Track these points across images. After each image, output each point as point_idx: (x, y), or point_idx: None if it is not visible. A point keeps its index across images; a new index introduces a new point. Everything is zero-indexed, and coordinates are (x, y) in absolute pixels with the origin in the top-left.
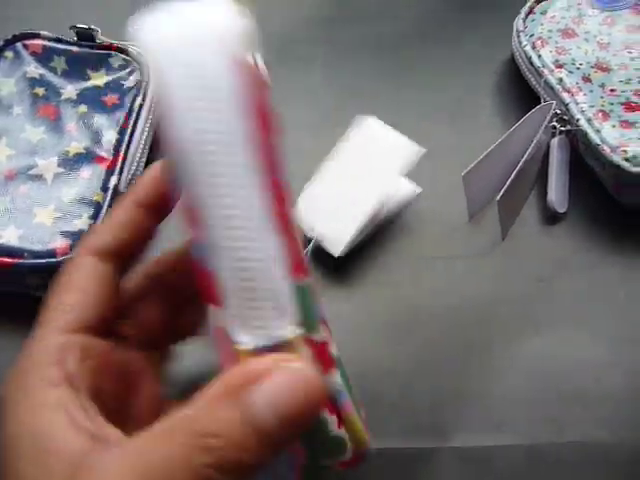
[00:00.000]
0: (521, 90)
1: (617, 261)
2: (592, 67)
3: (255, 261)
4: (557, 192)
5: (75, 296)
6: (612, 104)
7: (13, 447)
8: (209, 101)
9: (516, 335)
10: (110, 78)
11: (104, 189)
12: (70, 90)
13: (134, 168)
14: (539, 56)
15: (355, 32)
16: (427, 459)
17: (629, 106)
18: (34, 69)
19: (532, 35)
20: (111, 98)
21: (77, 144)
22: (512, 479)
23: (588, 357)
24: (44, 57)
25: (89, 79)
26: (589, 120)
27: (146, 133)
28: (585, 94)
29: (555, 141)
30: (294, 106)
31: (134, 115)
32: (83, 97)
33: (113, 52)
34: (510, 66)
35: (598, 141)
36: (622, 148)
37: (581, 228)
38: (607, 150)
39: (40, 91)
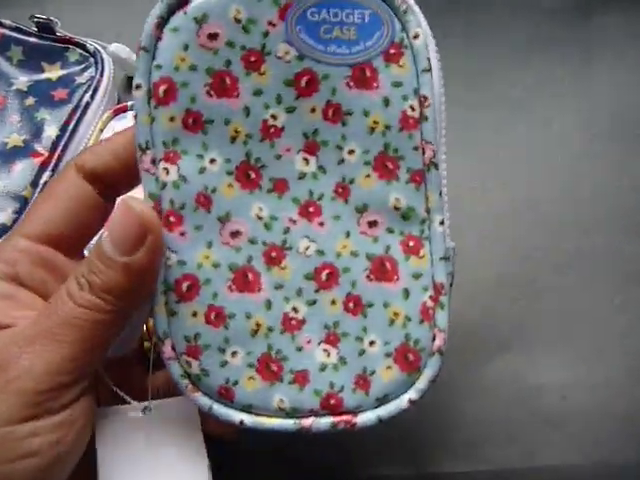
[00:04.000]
0: None
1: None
2: None
3: None
4: None
5: (48, 207)
6: None
7: None
8: None
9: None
10: (64, 72)
11: (34, 185)
12: (22, 81)
13: None
14: None
15: None
16: None
17: None
18: None
19: None
20: (60, 93)
21: (17, 136)
22: None
23: (554, 376)
24: (1, 45)
25: (43, 72)
26: None
27: (90, 132)
28: None
29: None
30: None
31: (79, 112)
32: (33, 89)
33: (71, 46)
34: None
35: None
36: None
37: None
38: None
39: None
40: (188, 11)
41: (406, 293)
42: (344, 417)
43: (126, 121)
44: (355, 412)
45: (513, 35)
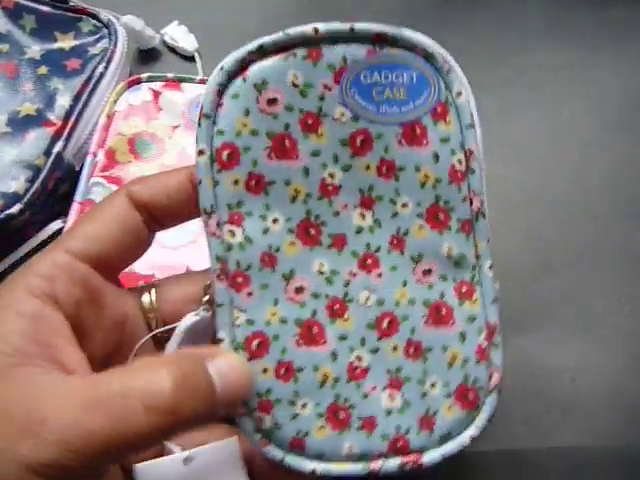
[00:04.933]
0: None
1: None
2: None
3: None
4: None
5: (94, 227)
6: None
7: None
8: None
9: None
10: (77, 43)
11: (47, 154)
12: (35, 50)
13: (84, 137)
14: None
15: None
16: None
17: None
18: (2, 24)
19: None
20: (73, 63)
21: (30, 105)
22: None
23: (564, 360)
24: (14, 13)
25: (56, 41)
26: None
27: (103, 103)
28: None
29: None
30: None
31: (92, 83)
32: (46, 58)
33: (84, 17)
34: None
35: None
36: None
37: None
38: None
39: (4, 47)
40: (247, 78)
41: (462, 336)
42: (411, 457)
43: (141, 92)
44: (421, 452)
45: (524, 19)
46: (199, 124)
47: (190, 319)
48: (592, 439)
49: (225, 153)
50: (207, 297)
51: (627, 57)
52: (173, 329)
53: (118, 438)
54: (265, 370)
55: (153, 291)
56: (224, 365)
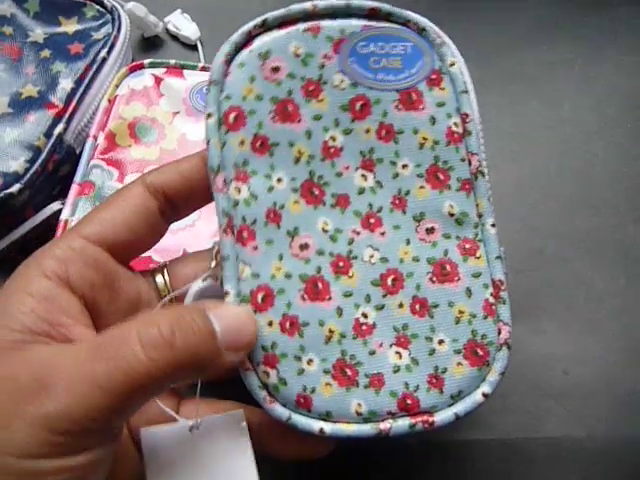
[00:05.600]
0: None
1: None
2: None
3: None
4: None
5: (110, 213)
6: None
7: None
8: None
9: None
10: (80, 27)
11: (47, 135)
12: (38, 33)
13: (85, 120)
14: None
15: None
16: (396, 455)
17: None
18: (6, 7)
19: None
20: (76, 47)
21: (32, 87)
22: (486, 475)
23: (556, 350)
24: None
25: (59, 25)
26: None
27: (105, 88)
28: None
29: None
30: None
31: (95, 67)
32: (49, 42)
33: (88, 2)
34: None
35: None
36: None
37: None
38: None
39: (8, 30)
40: (253, 49)
41: (468, 292)
42: (422, 417)
43: (142, 78)
44: (432, 411)
45: (525, 16)
46: (207, 90)
47: (198, 284)
48: (583, 429)
49: (232, 116)
50: (214, 263)
51: (628, 54)
52: (184, 297)
53: (122, 379)
54: (270, 323)
55: (165, 272)
56: (226, 311)
